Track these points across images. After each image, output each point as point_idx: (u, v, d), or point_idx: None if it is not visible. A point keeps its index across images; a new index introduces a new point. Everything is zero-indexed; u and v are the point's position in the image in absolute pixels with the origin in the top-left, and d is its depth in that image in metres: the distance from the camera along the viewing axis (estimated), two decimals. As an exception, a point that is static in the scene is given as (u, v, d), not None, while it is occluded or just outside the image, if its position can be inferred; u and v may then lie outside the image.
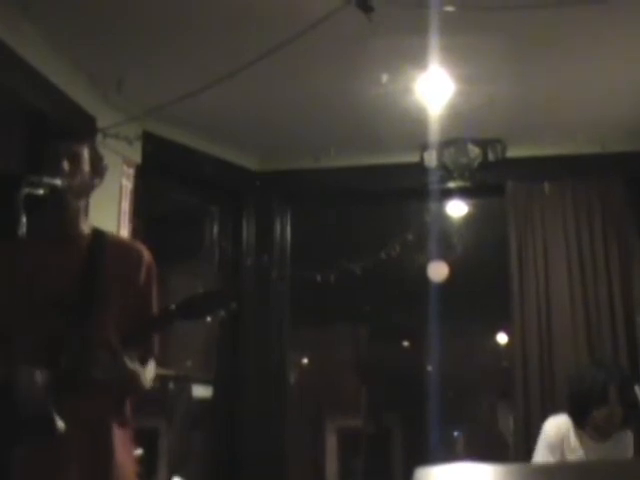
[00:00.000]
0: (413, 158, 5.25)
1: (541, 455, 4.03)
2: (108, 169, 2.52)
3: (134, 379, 2.34)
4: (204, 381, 5.37)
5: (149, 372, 2.45)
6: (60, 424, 2.13)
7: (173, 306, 2.30)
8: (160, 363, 2.58)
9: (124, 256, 2.49)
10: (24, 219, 2.08)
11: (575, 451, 4.01)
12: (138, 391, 2.42)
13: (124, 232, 4.53)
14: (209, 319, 2.41)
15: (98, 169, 2.46)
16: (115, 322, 2.35)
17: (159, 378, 2.55)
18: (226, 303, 2.33)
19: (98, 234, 2.50)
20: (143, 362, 2.43)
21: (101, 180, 2.49)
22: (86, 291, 2.33)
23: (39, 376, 2.16)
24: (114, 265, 2.43)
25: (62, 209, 2.37)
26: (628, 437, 4.09)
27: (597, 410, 3.96)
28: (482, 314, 7.89)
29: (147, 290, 2.50)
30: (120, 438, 2.36)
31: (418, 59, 4.03)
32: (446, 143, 5.13)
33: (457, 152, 5.14)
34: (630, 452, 4.03)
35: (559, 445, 4.01)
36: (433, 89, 4.36)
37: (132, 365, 2.29)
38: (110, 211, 4.44)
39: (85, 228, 2.47)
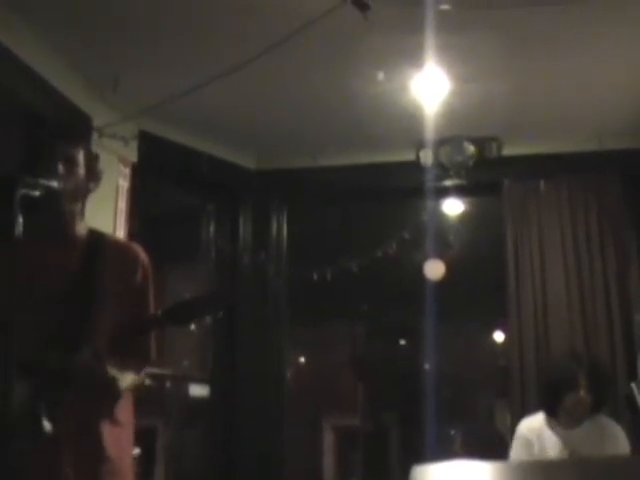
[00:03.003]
0: (409, 156, 5.25)
1: (517, 454, 4.11)
2: (104, 173, 2.52)
3: (110, 386, 2.32)
4: (201, 380, 5.38)
5: (129, 377, 2.40)
6: (47, 425, 2.11)
7: (159, 312, 2.29)
8: (157, 363, 2.57)
9: (121, 257, 2.49)
10: (20, 220, 2.07)
11: (551, 444, 4.10)
12: (113, 397, 2.38)
13: (121, 232, 4.53)
14: (193, 325, 2.40)
15: (94, 173, 2.46)
16: (112, 322, 2.34)
17: (156, 378, 2.54)
18: (213, 309, 2.33)
19: (95, 235, 2.50)
20: (138, 365, 2.43)
21: (97, 185, 2.48)
22: (85, 291, 2.33)
23: (28, 381, 2.15)
24: (111, 266, 2.43)
25: (58, 211, 2.37)
26: (603, 423, 4.16)
27: (567, 396, 4.08)
28: (479, 312, 7.90)
29: (144, 290, 2.50)
30: (114, 437, 2.35)
31: (414, 57, 4.03)
32: (442, 141, 5.13)
33: (453, 150, 5.14)
34: (611, 442, 4.08)
35: (534, 442, 4.11)
36: (429, 87, 4.36)
37: (111, 372, 2.28)
38: (106, 211, 4.43)
39: (81, 230, 2.47)
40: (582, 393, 4.06)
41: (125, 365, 2.33)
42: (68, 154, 2.37)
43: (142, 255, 2.53)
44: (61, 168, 2.34)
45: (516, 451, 4.15)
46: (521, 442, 4.15)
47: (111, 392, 2.35)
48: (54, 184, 2.23)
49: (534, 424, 4.19)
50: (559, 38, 3.97)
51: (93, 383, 2.26)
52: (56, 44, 3.98)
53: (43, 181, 2.18)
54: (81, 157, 2.41)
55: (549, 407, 4.18)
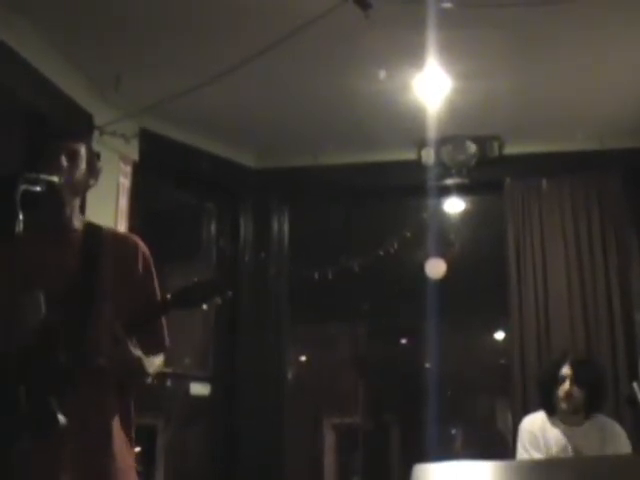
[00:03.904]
0: (411, 155, 5.25)
1: (525, 452, 4.12)
2: (102, 170, 2.53)
3: (137, 365, 2.34)
4: (202, 379, 5.37)
5: (154, 361, 2.45)
6: (62, 419, 2.13)
7: (169, 295, 2.31)
8: (169, 350, 2.59)
9: (120, 248, 2.49)
10: (21, 216, 2.07)
11: (554, 439, 4.12)
12: (142, 378, 2.42)
13: (121, 229, 4.52)
14: (205, 307, 2.42)
15: (94, 169, 2.47)
16: (116, 314, 2.35)
17: (157, 375, 2.55)
18: (221, 291, 2.34)
19: (93, 228, 2.51)
20: (153, 353, 2.44)
21: (96, 181, 2.50)
22: (85, 286, 2.33)
23: (39, 375, 2.16)
24: (111, 257, 2.43)
25: (59, 206, 2.38)
26: (603, 422, 4.18)
27: (554, 390, 4.15)
28: (480, 311, 7.89)
29: (146, 280, 2.50)
30: (120, 435, 2.36)
31: (415, 56, 4.03)
32: (444, 140, 5.12)
33: (455, 149, 5.13)
34: (613, 441, 4.09)
35: (539, 436, 4.14)
36: (430, 86, 4.35)
37: (135, 351, 2.30)
38: (107, 208, 4.44)
39: (80, 225, 2.48)
40: (567, 386, 4.11)
41: (144, 351, 2.35)
42: (70, 150, 2.39)
43: (141, 245, 2.53)
44: (64, 163, 2.35)
45: (523, 447, 4.16)
46: (527, 437, 4.17)
47: (137, 373, 2.37)
48: (55, 179, 2.24)
49: (537, 420, 4.21)
50: (561, 37, 3.96)
51: (119, 365, 2.29)
52: (58, 43, 3.98)
53: (44, 176, 2.19)
54: (83, 152, 2.43)
55: (547, 405, 4.21)
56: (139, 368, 2.36)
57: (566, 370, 4.15)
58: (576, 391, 4.12)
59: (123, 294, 2.41)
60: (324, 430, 9.68)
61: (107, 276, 2.39)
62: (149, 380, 2.46)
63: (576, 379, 4.13)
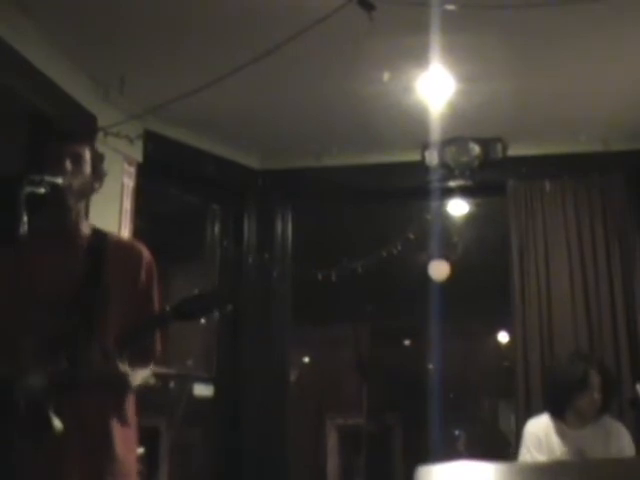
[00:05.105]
0: (414, 157, 5.24)
1: (529, 455, 4.11)
2: (108, 172, 2.52)
3: (123, 381, 2.33)
4: (205, 380, 5.37)
5: (140, 373, 2.44)
6: (57, 424, 2.12)
7: (168, 307, 2.29)
8: (161, 362, 2.58)
9: (125, 256, 2.49)
10: (25, 218, 2.07)
11: (558, 443, 4.11)
12: (125, 393, 2.41)
13: (125, 231, 4.53)
14: (203, 320, 2.40)
15: (98, 172, 2.47)
16: (117, 322, 2.35)
17: (160, 377, 2.54)
18: (221, 304, 2.33)
19: (98, 234, 2.50)
20: (144, 361, 2.44)
21: (101, 184, 2.49)
22: (88, 292, 2.33)
23: (38, 380, 2.16)
24: (115, 265, 2.43)
25: (63, 209, 2.37)
26: (608, 423, 4.18)
27: (579, 397, 4.10)
28: (483, 313, 7.89)
29: (148, 290, 2.50)
30: (121, 436, 2.36)
31: (419, 58, 4.03)
32: (447, 142, 5.12)
33: (458, 151, 5.13)
34: (617, 442, 4.10)
35: (542, 441, 4.13)
36: (434, 88, 4.35)
37: (123, 368, 2.29)
38: (111, 210, 4.44)
39: (85, 229, 2.47)
40: (595, 394, 4.08)
41: (132, 361, 2.34)
42: (75, 152, 2.39)
43: (146, 254, 2.53)
44: (68, 165, 2.34)
45: (527, 450, 4.15)
46: (531, 440, 4.16)
47: (123, 388, 2.36)
48: (59, 181, 2.24)
49: (541, 423, 4.20)
50: (564, 39, 3.96)
51: (105, 380, 2.28)
52: (62, 44, 3.99)
53: (48, 178, 2.19)
54: (87, 155, 2.42)
55: (557, 409, 4.18)
56: (124, 384, 2.36)
57: (595, 378, 4.11)
58: (599, 398, 4.11)
59: (124, 302, 2.41)
60: (327, 431, 9.68)
61: (110, 283, 2.39)
62: (130, 393, 2.44)
63: (601, 387, 4.11)
